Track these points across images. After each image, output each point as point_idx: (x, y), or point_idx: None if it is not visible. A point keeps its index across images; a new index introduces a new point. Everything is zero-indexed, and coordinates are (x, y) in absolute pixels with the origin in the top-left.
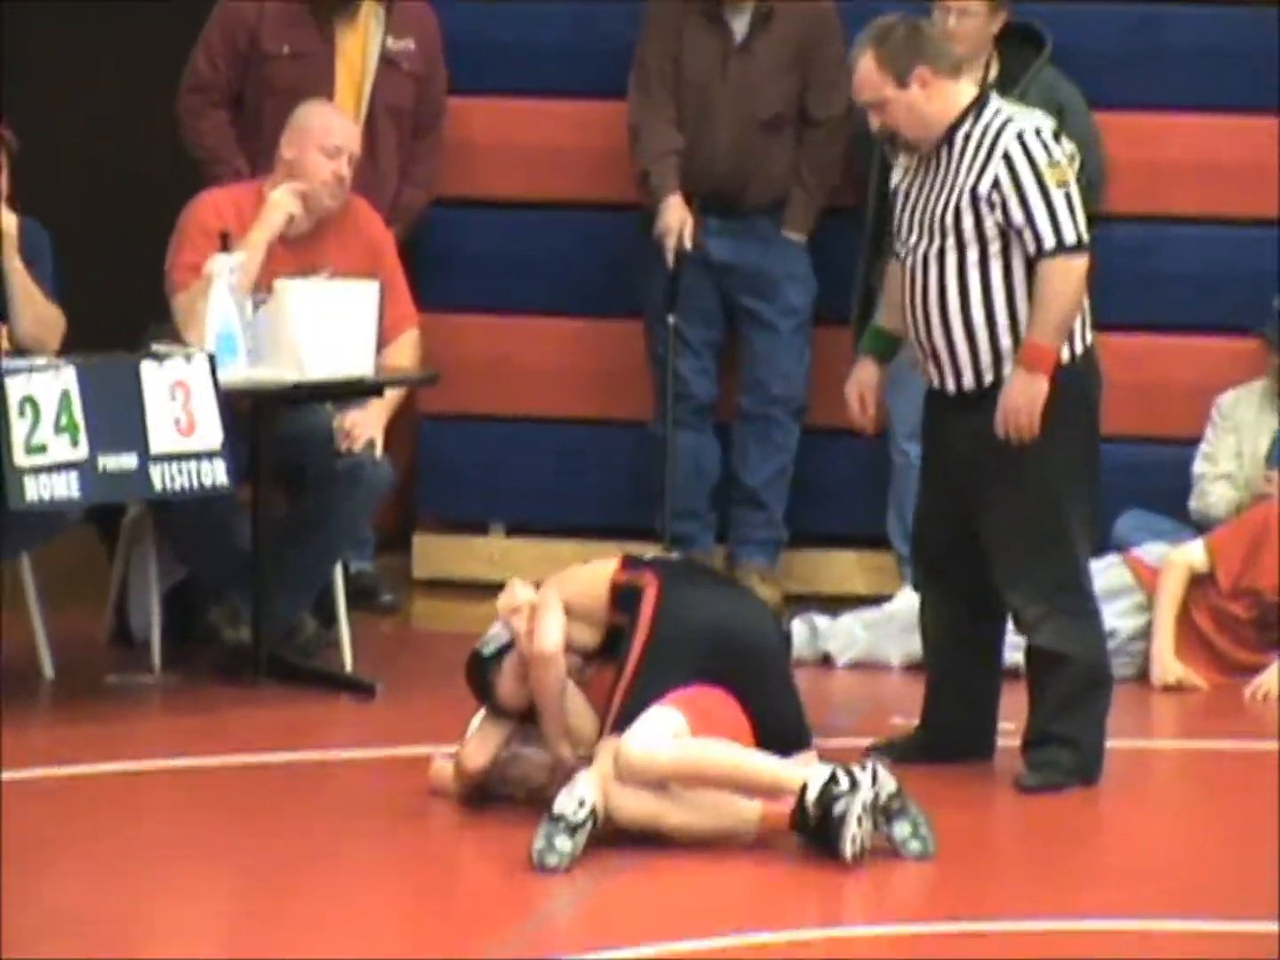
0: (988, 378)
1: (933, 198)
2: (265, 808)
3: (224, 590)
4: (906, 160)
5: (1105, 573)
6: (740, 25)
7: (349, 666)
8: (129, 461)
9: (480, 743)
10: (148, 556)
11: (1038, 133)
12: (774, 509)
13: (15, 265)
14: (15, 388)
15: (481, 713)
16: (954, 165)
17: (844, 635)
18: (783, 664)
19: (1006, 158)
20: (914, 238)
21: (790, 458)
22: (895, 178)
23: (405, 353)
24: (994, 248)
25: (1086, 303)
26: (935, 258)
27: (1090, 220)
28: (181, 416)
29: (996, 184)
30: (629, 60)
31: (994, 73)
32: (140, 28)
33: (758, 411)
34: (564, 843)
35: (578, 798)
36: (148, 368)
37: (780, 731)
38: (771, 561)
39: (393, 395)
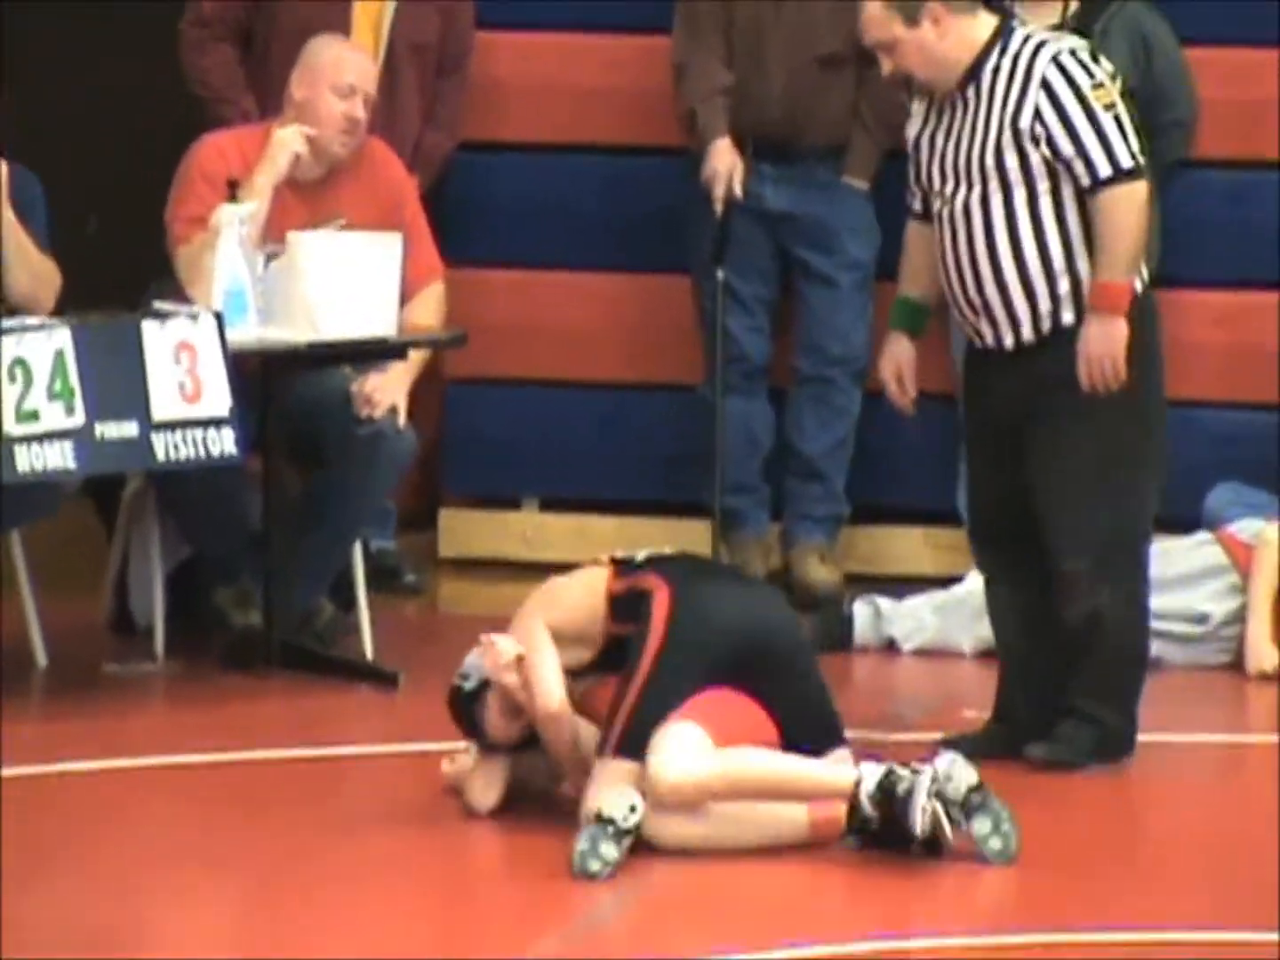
0: (1046, 326)
1: (966, 141)
2: (277, 808)
3: (233, 571)
4: (920, 107)
5: (1195, 552)
6: None
7: (369, 654)
8: (129, 430)
9: (485, 784)
10: (149, 534)
11: (1074, 53)
12: (834, 481)
13: (8, 218)
14: (5, 349)
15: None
16: (986, 103)
17: (911, 619)
18: (807, 656)
19: (1045, 85)
20: (949, 186)
21: (851, 425)
22: (911, 129)
23: (429, 309)
24: (1042, 186)
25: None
26: (979, 205)
27: (1180, 165)
28: (186, 381)
29: (1039, 115)
30: None
31: (1074, 5)
32: None
33: (816, 374)
34: (609, 849)
35: (629, 803)
36: (149, 328)
37: (811, 729)
38: (831, 539)
39: (416, 358)
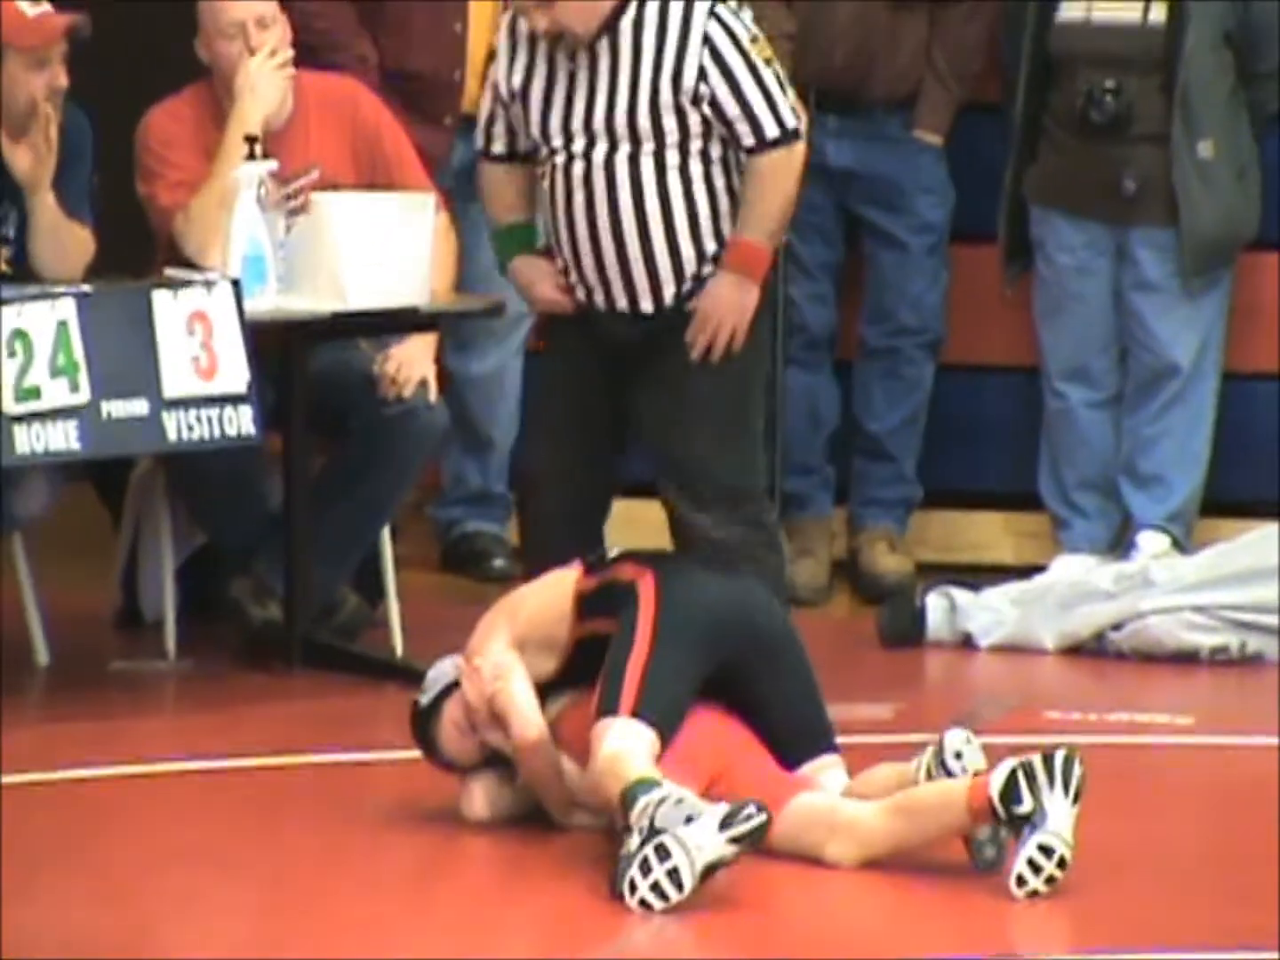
0: (689, 287)
1: (605, 97)
2: (297, 817)
3: (250, 560)
4: (520, 54)
5: None
6: None
7: (399, 651)
8: (138, 408)
9: (469, 798)
10: (160, 520)
11: (727, 4)
12: (904, 462)
13: (46, 201)
14: (4, 321)
15: None
16: (630, 57)
17: (988, 612)
18: (799, 650)
19: (708, 41)
20: (580, 143)
21: (923, 401)
22: (508, 77)
23: (439, 249)
24: (694, 146)
25: None
26: (625, 164)
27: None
28: (201, 354)
29: (703, 74)
30: None
31: None
32: None
33: (884, 345)
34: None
35: (686, 813)
36: (160, 297)
37: (799, 731)
38: (901, 525)
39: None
